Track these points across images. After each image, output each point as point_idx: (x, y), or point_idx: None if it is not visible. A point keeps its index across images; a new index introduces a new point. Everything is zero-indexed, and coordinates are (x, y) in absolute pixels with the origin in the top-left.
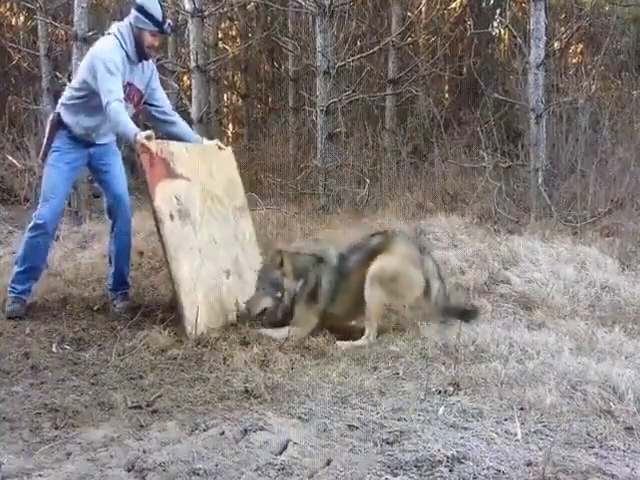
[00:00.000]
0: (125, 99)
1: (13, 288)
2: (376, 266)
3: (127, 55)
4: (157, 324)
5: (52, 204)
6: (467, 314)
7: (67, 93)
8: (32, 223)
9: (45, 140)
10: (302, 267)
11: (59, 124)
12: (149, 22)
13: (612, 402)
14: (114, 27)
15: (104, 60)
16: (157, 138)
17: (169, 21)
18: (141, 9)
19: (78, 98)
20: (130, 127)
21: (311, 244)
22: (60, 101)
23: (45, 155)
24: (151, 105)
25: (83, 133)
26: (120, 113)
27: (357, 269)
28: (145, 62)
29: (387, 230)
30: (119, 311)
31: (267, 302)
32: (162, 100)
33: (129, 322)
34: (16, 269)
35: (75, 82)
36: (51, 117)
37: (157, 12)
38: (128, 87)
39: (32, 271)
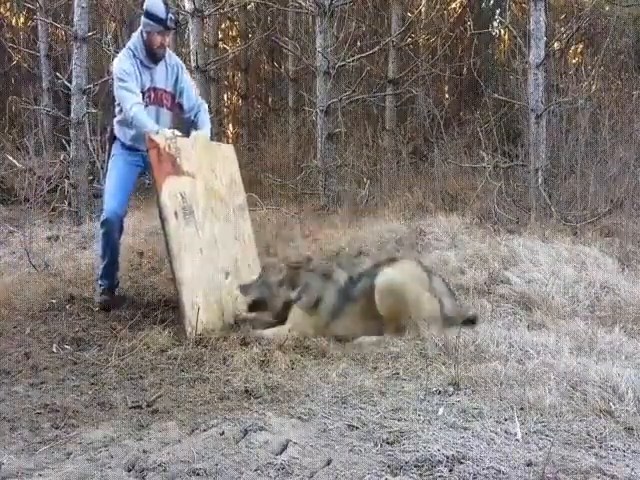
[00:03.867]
0: (155, 103)
1: (103, 282)
2: (383, 279)
3: (141, 62)
4: (157, 324)
5: (113, 200)
6: (470, 321)
7: (115, 109)
8: (100, 220)
9: (107, 152)
10: (303, 281)
11: (113, 138)
12: (153, 23)
13: (612, 402)
14: (129, 41)
15: (116, 73)
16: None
17: (171, 15)
18: (147, 13)
19: (120, 112)
20: (152, 127)
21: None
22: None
23: (107, 165)
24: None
25: (132, 143)
26: (138, 117)
27: (363, 296)
28: (167, 64)
29: (395, 257)
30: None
31: (259, 294)
32: (187, 99)
33: (129, 322)
34: (101, 264)
35: (115, 99)
36: (107, 134)
37: (160, 11)
38: (153, 92)
39: (114, 264)
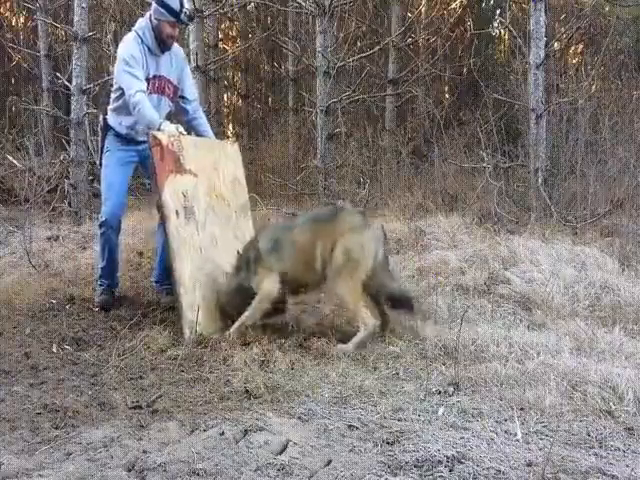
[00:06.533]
0: (158, 92)
1: (102, 282)
2: (334, 257)
3: (148, 48)
4: (157, 324)
5: (110, 201)
6: (401, 302)
7: (111, 97)
8: (98, 221)
9: (100, 144)
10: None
11: (107, 127)
12: (166, 12)
13: (612, 402)
14: (137, 23)
15: (121, 56)
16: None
17: (186, 10)
18: (159, 1)
19: (117, 99)
20: (155, 118)
21: None
22: (108, 107)
23: (100, 159)
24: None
25: (127, 132)
26: (142, 105)
27: (306, 229)
28: (173, 54)
29: (336, 205)
30: (164, 305)
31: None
32: (190, 92)
33: (129, 322)
34: (100, 265)
35: (113, 85)
36: (101, 123)
37: (174, 2)
38: (157, 80)
39: (113, 264)
